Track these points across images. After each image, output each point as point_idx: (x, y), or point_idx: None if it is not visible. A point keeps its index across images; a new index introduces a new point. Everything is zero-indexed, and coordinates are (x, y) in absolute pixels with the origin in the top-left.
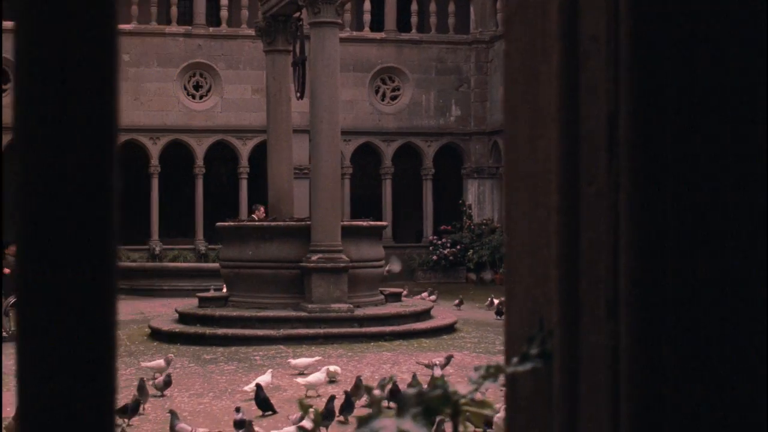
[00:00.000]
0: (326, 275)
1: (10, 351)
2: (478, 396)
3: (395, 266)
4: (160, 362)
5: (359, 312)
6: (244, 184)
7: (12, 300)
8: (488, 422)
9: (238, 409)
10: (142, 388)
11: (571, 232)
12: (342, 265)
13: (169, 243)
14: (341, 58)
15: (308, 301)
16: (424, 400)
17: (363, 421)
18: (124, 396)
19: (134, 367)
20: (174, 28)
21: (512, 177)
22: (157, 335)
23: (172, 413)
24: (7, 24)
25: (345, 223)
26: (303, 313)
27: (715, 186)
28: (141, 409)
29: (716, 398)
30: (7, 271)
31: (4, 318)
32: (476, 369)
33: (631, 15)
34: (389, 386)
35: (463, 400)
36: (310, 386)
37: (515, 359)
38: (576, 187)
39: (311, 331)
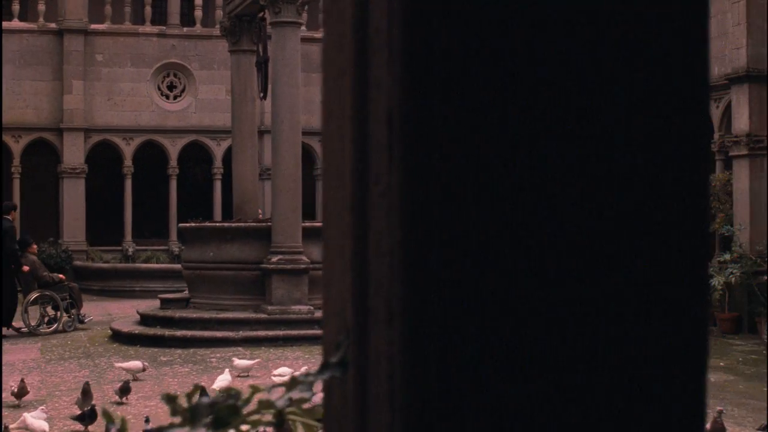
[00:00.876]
0: (286, 277)
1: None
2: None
3: None
4: (137, 363)
5: (319, 314)
6: (218, 185)
7: (33, 296)
8: None
9: (147, 419)
10: (86, 392)
11: (362, 235)
12: (302, 266)
13: (143, 244)
14: (312, 58)
15: (268, 303)
16: (215, 411)
17: None
18: (74, 398)
19: (88, 369)
20: (148, 28)
21: (326, 176)
22: (118, 337)
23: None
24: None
25: (306, 224)
26: (263, 315)
27: (489, 189)
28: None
29: (483, 405)
30: (26, 268)
31: (22, 313)
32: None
33: (403, 5)
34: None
35: (289, 409)
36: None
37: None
38: (366, 187)
39: (270, 333)
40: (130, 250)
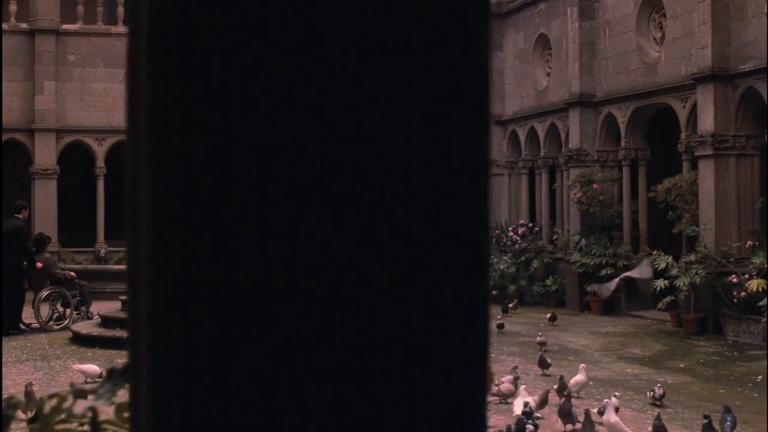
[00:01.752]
0: None
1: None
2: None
3: (641, 273)
4: (94, 368)
5: None
6: None
7: (45, 293)
8: None
9: None
10: (29, 394)
11: (134, 236)
12: None
13: (116, 245)
14: None
15: None
16: None
17: None
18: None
19: (43, 371)
20: (120, 28)
21: (126, 177)
22: (77, 339)
23: None
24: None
25: None
26: None
27: (235, 195)
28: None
29: (228, 408)
30: (39, 265)
31: (34, 310)
32: None
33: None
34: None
35: (104, 418)
36: None
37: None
38: (138, 188)
39: None
40: (103, 251)
